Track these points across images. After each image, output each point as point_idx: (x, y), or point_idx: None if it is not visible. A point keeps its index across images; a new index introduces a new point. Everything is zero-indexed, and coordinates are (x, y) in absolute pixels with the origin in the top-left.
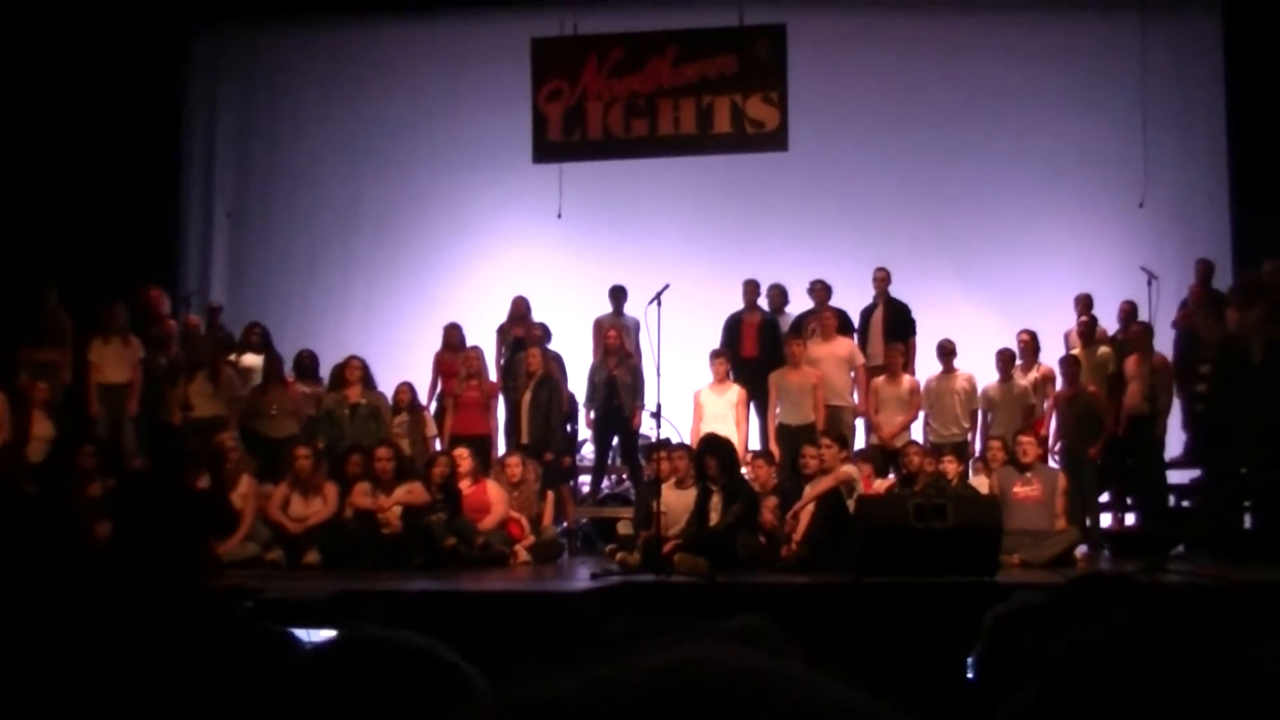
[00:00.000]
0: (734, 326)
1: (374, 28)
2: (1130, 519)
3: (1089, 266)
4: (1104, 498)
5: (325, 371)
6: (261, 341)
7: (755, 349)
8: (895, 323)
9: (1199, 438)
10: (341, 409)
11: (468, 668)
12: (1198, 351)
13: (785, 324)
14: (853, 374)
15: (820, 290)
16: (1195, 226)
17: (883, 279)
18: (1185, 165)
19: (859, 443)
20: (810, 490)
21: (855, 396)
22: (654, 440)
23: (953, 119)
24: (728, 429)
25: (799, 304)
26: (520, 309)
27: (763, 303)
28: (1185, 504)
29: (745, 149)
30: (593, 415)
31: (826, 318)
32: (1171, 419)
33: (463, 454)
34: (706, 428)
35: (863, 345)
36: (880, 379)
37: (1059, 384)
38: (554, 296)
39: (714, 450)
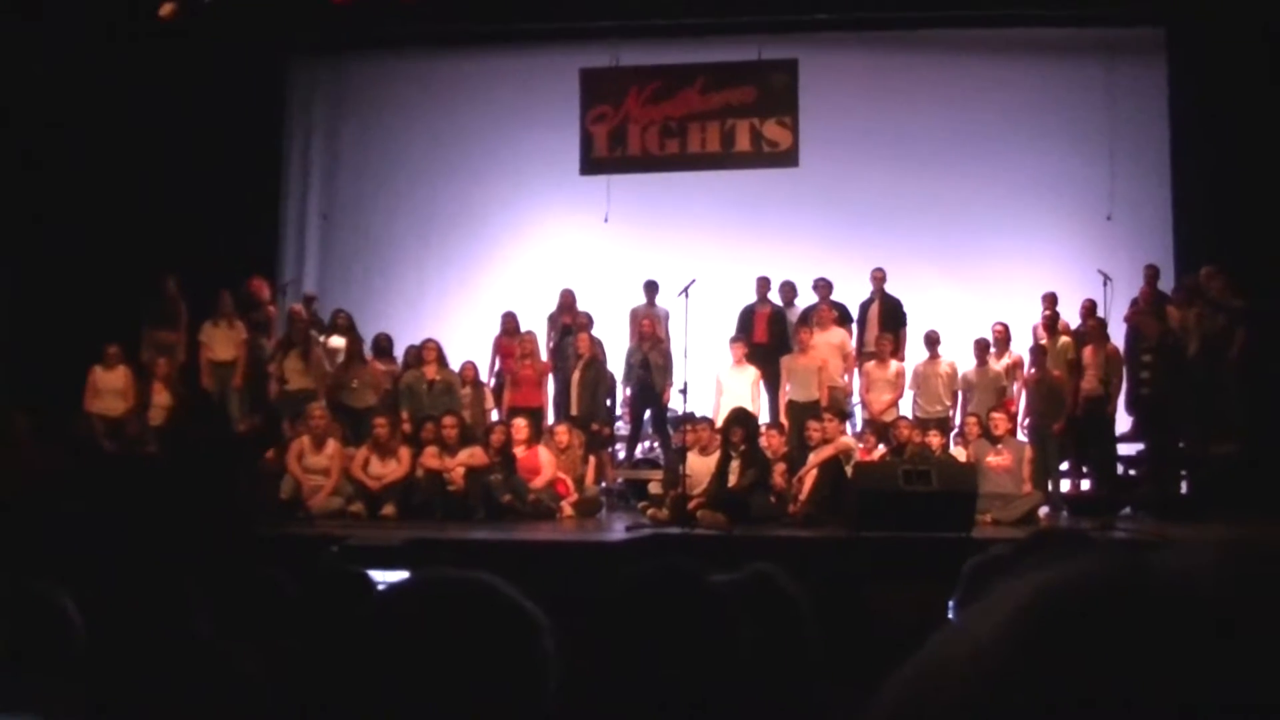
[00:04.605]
0: (747, 316)
1: (445, 58)
2: (1085, 485)
3: (1055, 269)
4: (1064, 466)
5: (399, 351)
6: (347, 325)
7: (766, 336)
8: (889, 315)
9: (1143, 417)
10: (420, 384)
11: (528, 603)
12: (1141, 343)
13: (794, 315)
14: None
15: (823, 287)
16: (1146, 237)
17: (879, 277)
18: (1140, 185)
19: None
20: (814, 457)
21: (846, 379)
22: (681, 414)
23: (943, 143)
24: (745, 405)
25: (807, 298)
26: (567, 299)
27: (774, 296)
28: (1132, 472)
29: (762, 165)
30: (629, 392)
31: (824, 311)
32: (1121, 400)
33: (520, 424)
34: (726, 404)
35: (861, 334)
36: (871, 363)
37: (1027, 369)
38: (595, 288)
39: (741, 422)
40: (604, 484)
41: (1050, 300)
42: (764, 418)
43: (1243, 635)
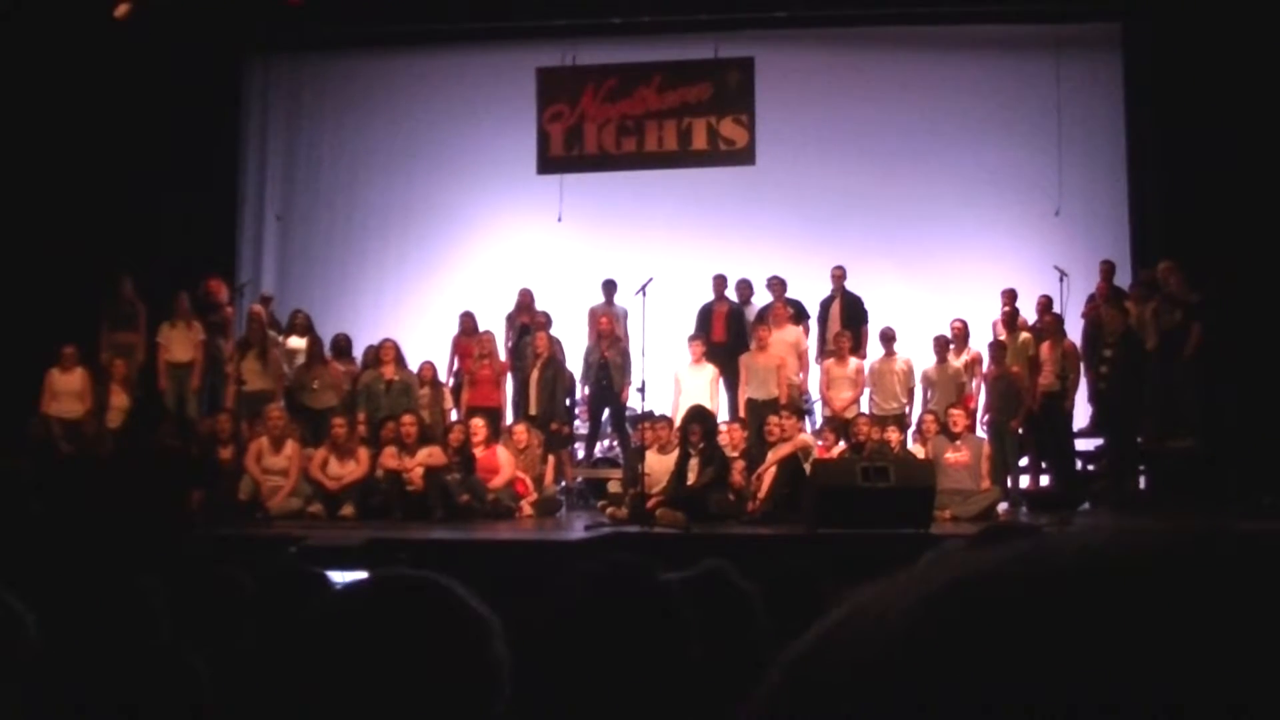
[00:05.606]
0: (706, 315)
1: (402, 58)
2: (1044, 480)
3: (1012, 265)
4: (1022, 462)
5: (357, 352)
6: (305, 325)
7: (724, 334)
8: (850, 312)
9: (1101, 412)
10: (378, 384)
11: (480, 604)
12: (1102, 338)
13: (751, 313)
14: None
15: (777, 285)
16: (1100, 232)
17: (839, 275)
18: (1092, 180)
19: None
20: (772, 455)
21: (801, 376)
22: (639, 412)
23: (898, 140)
24: (703, 403)
25: (764, 295)
26: (526, 299)
27: (731, 294)
28: (1090, 468)
29: (719, 163)
30: (587, 391)
31: (778, 309)
32: (1079, 395)
33: (478, 424)
34: (685, 402)
35: (822, 332)
36: (830, 361)
37: (986, 365)
38: (553, 288)
39: (700, 420)
40: (563, 483)
41: (1009, 296)
42: (723, 416)
43: (1140, 611)
